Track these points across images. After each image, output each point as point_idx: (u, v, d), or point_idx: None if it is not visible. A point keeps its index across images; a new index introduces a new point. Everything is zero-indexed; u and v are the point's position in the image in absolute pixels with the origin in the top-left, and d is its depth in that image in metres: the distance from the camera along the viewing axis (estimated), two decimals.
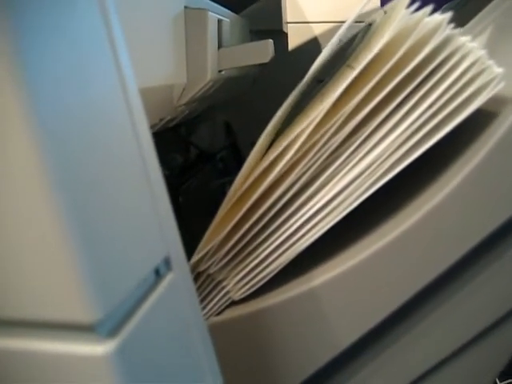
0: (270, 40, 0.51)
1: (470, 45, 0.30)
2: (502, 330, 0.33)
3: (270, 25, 0.79)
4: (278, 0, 0.78)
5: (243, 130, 0.86)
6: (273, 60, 0.64)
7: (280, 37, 0.83)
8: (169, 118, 0.50)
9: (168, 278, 0.23)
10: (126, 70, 0.23)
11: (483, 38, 0.41)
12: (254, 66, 0.55)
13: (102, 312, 0.18)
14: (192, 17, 0.46)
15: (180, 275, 0.24)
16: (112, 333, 0.18)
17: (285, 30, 0.81)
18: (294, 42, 0.83)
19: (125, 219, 0.20)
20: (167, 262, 0.23)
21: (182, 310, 0.24)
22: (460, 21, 0.50)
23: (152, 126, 0.48)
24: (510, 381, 1.02)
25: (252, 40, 0.76)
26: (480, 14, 0.44)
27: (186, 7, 0.46)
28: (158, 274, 0.23)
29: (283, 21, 0.80)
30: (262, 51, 0.51)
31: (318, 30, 0.82)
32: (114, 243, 0.19)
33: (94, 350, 0.18)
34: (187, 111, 0.54)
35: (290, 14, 0.82)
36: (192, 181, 0.73)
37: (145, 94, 0.42)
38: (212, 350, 0.26)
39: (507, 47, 0.37)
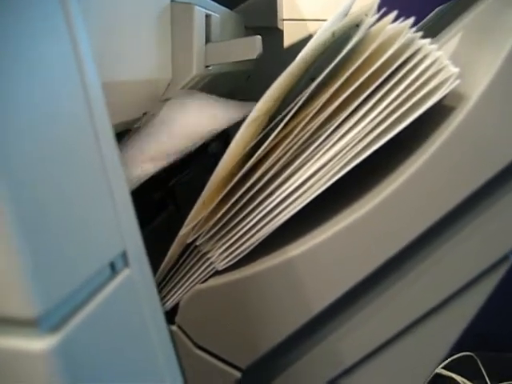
0: (258, 36, 0.51)
1: (430, 47, 0.33)
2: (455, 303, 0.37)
3: (265, 21, 0.79)
4: None
5: (238, 125, 0.85)
6: (268, 56, 0.63)
7: (276, 33, 0.82)
8: (154, 112, 0.49)
9: (124, 274, 0.23)
10: (87, 67, 0.22)
11: (456, 39, 0.43)
12: (248, 62, 0.54)
13: (44, 306, 0.18)
14: (178, 11, 0.46)
15: (138, 271, 0.24)
16: (55, 328, 0.18)
17: (280, 26, 0.80)
18: (289, 39, 0.83)
19: (74, 213, 0.20)
20: (124, 258, 0.23)
21: (138, 308, 0.23)
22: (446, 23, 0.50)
23: (135, 120, 0.47)
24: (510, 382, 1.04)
25: (247, 36, 0.75)
26: (460, 16, 0.45)
27: (172, 1, 0.46)
28: (113, 269, 0.23)
29: (278, 18, 0.79)
30: (250, 47, 0.51)
31: (313, 27, 0.81)
32: (60, 236, 0.19)
33: (34, 345, 0.17)
34: None
35: (285, 11, 0.82)
36: (186, 174, 0.73)
37: (128, 87, 0.41)
38: (172, 351, 0.26)
39: (472, 49, 0.40)
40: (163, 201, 0.67)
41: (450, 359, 1.08)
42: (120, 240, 0.23)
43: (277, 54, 0.80)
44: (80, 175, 0.21)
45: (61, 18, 0.21)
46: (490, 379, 1.07)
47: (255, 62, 0.56)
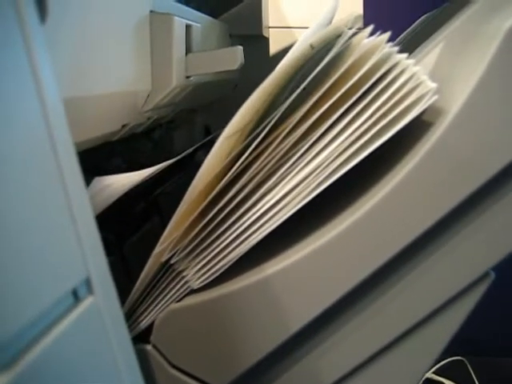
0: (240, 46, 0.50)
1: (407, 62, 0.32)
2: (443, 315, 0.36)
3: (250, 29, 0.79)
4: (258, 4, 0.77)
5: None
6: (254, 65, 0.63)
7: (261, 41, 0.82)
8: (133, 124, 0.49)
9: (87, 302, 0.22)
10: (45, 83, 0.22)
11: (437, 51, 0.42)
12: (232, 71, 0.54)
13: None
14: (157, 21, 0.45)
15: (103, 299, 0.23)
16: (8, 364, 0.17)
17: (266, 34, 0.80)
18: (275, 46, 0.82)
19: (31, 238, 0.19)
20: (88, 285, 0.22)
21: (103, 337, 0.23)
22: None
23: (114, 133, 0.47)
24: None
25: (232, 45, 0.75)
26: (440, 29, 0.45)
27: (151, 11, 0.45)
28: (76, 297, 0.22)
29: (264, 26, 0.79)
30: (231, 58, 0.50)
31: (299, 35, 0.81)
32: (15, 263, 0.18)
33: None
34: (155, 117, 0.53)
35: (271, 18, 0.82)
36: (171, 184, 0.72)
37: (106, 99, 0.41)
38: (140, 378, 0.25)
39: (452, 62, 0.39)
40: (148, 211, 0.66)
41: (440, 364, 1.08)
42: (83, 266, 0.22)
43: (263, 62, 0.80)
44: (38, 197, 0.20)
45: (17, 34, 0.21)
46: None
47: (241, 70, 0.56)
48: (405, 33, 0.70)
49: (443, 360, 1.07)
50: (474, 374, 1.07)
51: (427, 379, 1.08)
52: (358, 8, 0.77)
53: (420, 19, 0.71)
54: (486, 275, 0.35)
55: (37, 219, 0.20)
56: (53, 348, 0.20)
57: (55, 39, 0.32)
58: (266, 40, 0.81)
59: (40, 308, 0.19)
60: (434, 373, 1.08)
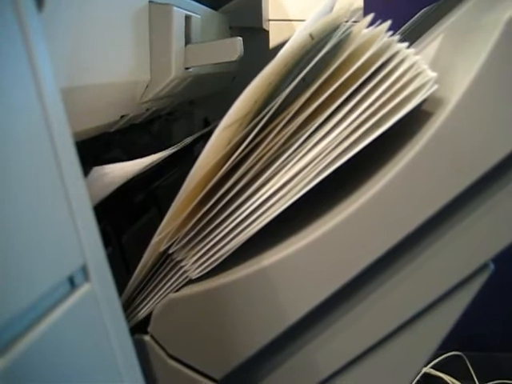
0: (239, 38, 0.50)
1: (407, 51, 0.32)
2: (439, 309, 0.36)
3: (250, 22, 0.78)
4: None
5: None
6: (253, 57, 0.62)
7: (261, 34, 0.82)
8: (132, 115, 0.48)
9: (84, 289, 0.22)
10: (43, 73, 0.21)
11: (438, 42, 0.42)
12: (231, 63, 0.54)
13: None
14: (156, 12, 0.45)
15: (99, 286, 0.23)
16: (1, 351, 0.17)
17: (265, 27, 0.79)
18: (275, 39, 0.82)
19: (28, 225, 0.19)
20: (84, 272, 0.22)
21: (99, 324, 0.23)
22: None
23: (112, 123, 0.47)
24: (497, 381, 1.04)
25: (232, 37, 0.75)
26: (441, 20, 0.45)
27: (150, 1, 0.45)
28: (72, 284, 0.22)
29: (264, 18, 0.79)
30: (231, 49, 0.50)
31: (299, 27, 0.81)
32: (11, 249, 0.18)
33: None
34: (154, 108, 0.53)
35: (271, 11, 0.81)
36: (170, 176, 0.72)
37: (104, 90, 0.41)
38: (137, 366, 0.25)
39: (453, 52, 0.39)
40: (147, 203, 0.66)
41: (438, 359, 1.08)
42: (79, 253, 0.22)
43: (262, 54, 0.80)
44: (35, 185, 0.20)
45: (14, 22, 0.20)
46: (477, 378, 1.07)
47: (240, 62, 0.55)
48: (405, 26, 0.70)
49: (441, 355, 1.07)
50: (472, 368, 1.07)
51: (425, 374, 1.09)
52: (358, 1, 0.76)
53: (420, 12, 0.71)
54: (485, 267, 0.35)
55: (34, 207, 0.20)
56: (48, 334, 0.19)
57: (53, 28, 0.32)
58: (266, 33, 0.81)
59: (36, 294, 0.19)
60: (432, 368, 1.08)
